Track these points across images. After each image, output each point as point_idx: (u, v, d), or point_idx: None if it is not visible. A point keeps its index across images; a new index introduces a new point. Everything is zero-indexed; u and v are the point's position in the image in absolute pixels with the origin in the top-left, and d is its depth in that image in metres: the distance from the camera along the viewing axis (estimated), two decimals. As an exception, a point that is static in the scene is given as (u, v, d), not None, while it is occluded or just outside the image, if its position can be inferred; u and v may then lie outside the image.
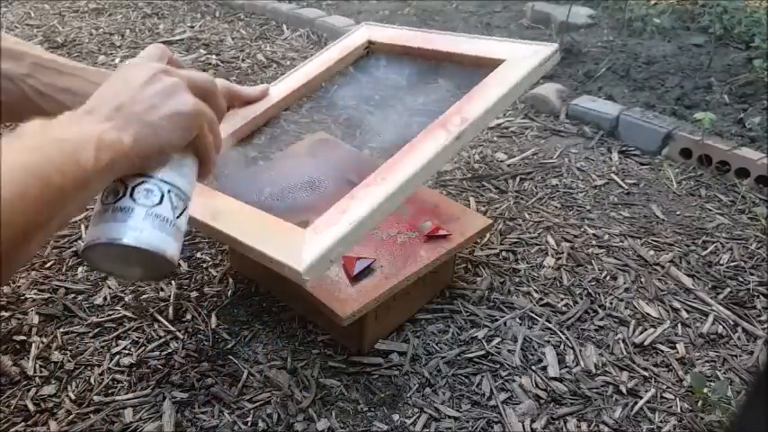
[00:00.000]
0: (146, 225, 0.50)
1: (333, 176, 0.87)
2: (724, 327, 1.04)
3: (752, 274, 1.16)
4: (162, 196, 0.52)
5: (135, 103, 0.50)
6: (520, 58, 0.87)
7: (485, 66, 0.88)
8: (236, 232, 0.70)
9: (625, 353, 0.98)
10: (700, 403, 0.89)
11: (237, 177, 0.84)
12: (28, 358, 0.91)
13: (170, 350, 0.94)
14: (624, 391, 0.91)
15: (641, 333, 1.01)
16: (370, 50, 1.05)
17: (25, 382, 0.88)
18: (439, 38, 0.99)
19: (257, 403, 0.86)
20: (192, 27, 2.32)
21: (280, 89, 0.96)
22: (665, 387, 0.92)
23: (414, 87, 0.95)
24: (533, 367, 0.94)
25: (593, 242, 1.22)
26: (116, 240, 0.49)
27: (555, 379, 0.92)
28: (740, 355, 0.98)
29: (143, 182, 0.52)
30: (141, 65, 0.54)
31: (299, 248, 0.66)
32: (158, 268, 0.55)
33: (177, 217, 0.54)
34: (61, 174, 0.43)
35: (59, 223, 0.46)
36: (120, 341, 0.95)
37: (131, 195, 0.51)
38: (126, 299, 1.02)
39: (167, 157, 0.53)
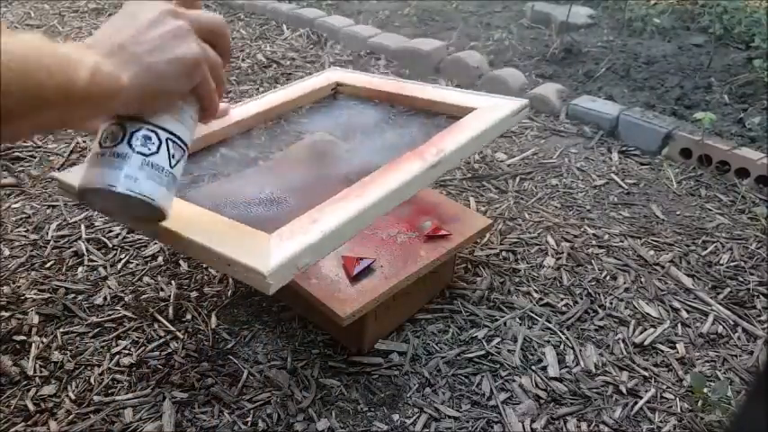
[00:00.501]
0: (141, 174, 0.50)
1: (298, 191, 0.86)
2: (724, 327, 1.04)
3: (752, 274, 1.16)
4: (160, 144, 0.52)
5: (138, 43, 0.48)
6: (491, 108, 0.89)
7: (456, 113, 0.90)
8: (195, 235, 0.64)
9: (625, 353, 0.98)
10: (700, 403, 0.89)
11: (197, 188, 0.81)
12: (28, 358, 0.91)
13: (170, 350, 0.94)
14: (624, 391, 0.91)
15: (641, 333, 1.01)
16: (337, 92, 1.06)
17: (25, 382, 0.88)
18: (410, 85, 1.01)
19: (257, 403, 0.86)
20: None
21: (239, 112, 0.94)
22: (665, 387, 0.92)
23: (381, 129, 0.95)
24: (533, 367, 0.94)
25: (593, 242, 1.22)
26: (110, 187, 0.49)
27: (555, 379, 0.92)
28: (740, 355, 0.98)
29: (141, 127, 0.51)
30: (149, 3, 0.51)
31: (264, 252, 0.61)
32: (151, 214, 0.55)
33: (173, 166, 0.53)
34: (48, 73, 0.41)
35: (30, 126, 0.43)
36: (120, 341, 0.95)
37: (129, 141, 0.50)
38: (126, 299, 1.03)
39: (167, 102, 0.52)
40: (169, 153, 0.53)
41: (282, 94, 1.01)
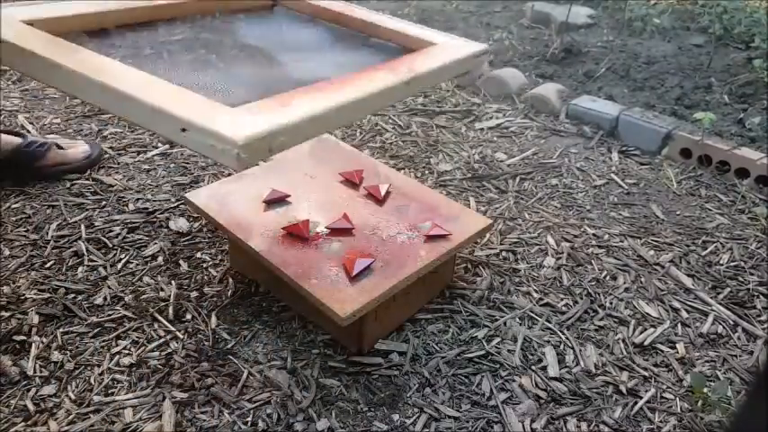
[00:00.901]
0: None
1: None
2: (724, 327, 1.04)
3: (752, 274, 1.16)
4: None
5: None
6: (453, 45, 0.87)
7: (413, 46, 0.87)
8: (136, 92, 0.55)
9: (625, 353, 0.98)
10: (700, 403, 0.89)
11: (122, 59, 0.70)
12: (28, 358, 0.91)
13: (170, 350, 0.94)
14: (624, 391, 0.91)
15: (641, 333, 1.01)
16: (276, 3, 0.98)
17: (25, 382, 0.88)
18: (364, 10, 0.96)
19: (257, 403, 0.86)
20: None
21: None
22: (665, 387, 0.92)
23: (335, 47, 0.89)
24: (533, 367, 0.94)
25: (593, 242, 1.22)
26: None
27: (555, 379, 0.92)
28: (740, 355, 0.98)
29: None
30: None
31: (236, 121, 0.53)
32: None
33: None
34: None
35: None
36: (120, 341, 0.95)
37: None
38: (126, 299, 1.03)
39: None
40: None
41: None
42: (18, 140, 1.27)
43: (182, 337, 0.96)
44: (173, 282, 1.06)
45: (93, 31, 0.76)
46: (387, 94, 0.71)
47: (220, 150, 0.51)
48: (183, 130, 0.53)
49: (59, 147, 1.31)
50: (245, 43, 0.86)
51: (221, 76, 0.74)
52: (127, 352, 0.93)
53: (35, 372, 0.89)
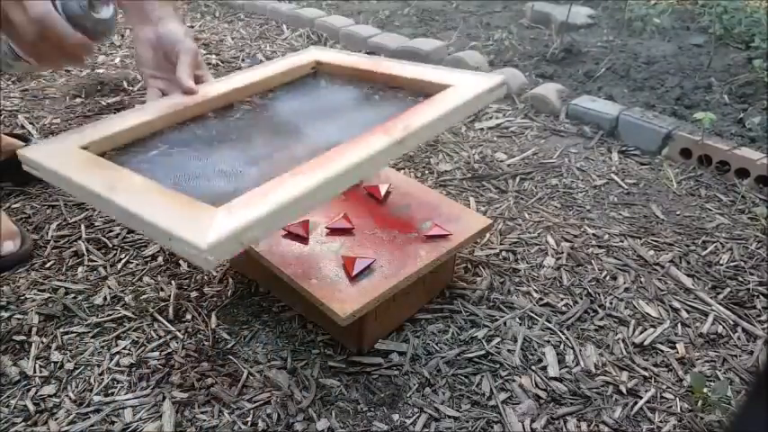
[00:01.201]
0: None
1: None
2: (724, 327, 1.04)
3: (752, 274, 1.16)
4: None
5: None
6: (467, 85, 0.88)
7: (432, 91, 0.89)
8: (133, 206, 0.62)
9: (625, 353, 0.98)
10: (699, 403, 0.89)
11: (152, 161, 0.80)
12: (28, 358, 0.91)
13: (170, 350, 0.94)
14: (624, 391, 0.91)
15: (641, 333, 1.01)
16: (318, 70, 1.05)
17: (25, 382, 0.88)
18: (388, 63, 0.99)
19: (257, 403, 0.86)
20: (192, 27, 2.32)
21: (216, 88, 0.93)
22: (664, 387, 0.92)
23: (358, 106, 0.94)
24: (533, 367, 0.94)
25: (593, 242, 1.22)
26: None
27: (555, 379, 0.92)
28: (740, 355, 0.98)
29: None
30: None
31: (205, 225, 0.58)
32: None
33: None
34: None
35: None
36: (119, 341, 0.95)
37: None
38: (126, 299, 1.03)
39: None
40: None
41: (261, 71, 1.00)
42: (21, 144, 1.27)
43: (182, 337, 0.96)
44: (173, 282, 1.06)
45: (141, 139, 0.85)
46: (375, 160, 0.72)
47: (194, 255, 0.56)
48: (170, 239, 0.58)
49: None
50: (275, 119, 0.93)
51: (242, 158, 0.80)
52: (127, 352, 0.93)
53: (35, 372, 0.89)
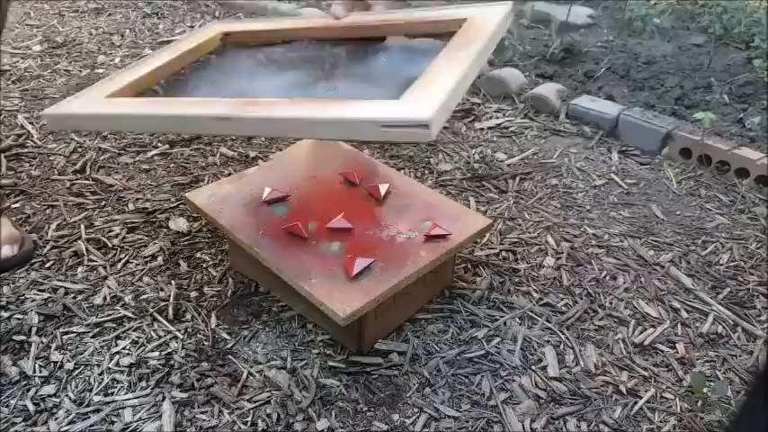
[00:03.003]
0: None
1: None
2: (724, 327, 1.04)
3: (752, 274, 1.16)
4: None
5: None
6: (483, 16, 0.88)
7: (442, 30, 0.89)
8: (306, 112, 0.67)
9: (625, 353, 0.98)
10: (699, 403, 0.89)
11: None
12: (28, 358, 0.91)
13: (170, 350, 0.94)
14: (624, 390, 0.91)
15: (641, 333, 1.01)
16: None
17: (25, 382, 0.88)
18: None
19: (257, 403, 0.86)
20: (192, 27, 2.32)
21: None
22: (664, 387, 0.92)
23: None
24: (533, 367, 0.94)
25: (593, 242, 1.22)
26: None
27: (555, 379, 0.92)
28: (740, 355, 0.98)
29: None
30: None
31: (409, 104, 0.62)
32: None
33: None
34: None
35: None
36: (120, 341, 0.95)
37: None
38: (126, 299, 1.03)
39: None
40: None
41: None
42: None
43: (181, 337, 0.96)
44: (172, 282, 1.06)
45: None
46: (492, 41, 0.80)
47: (412, 134, 0.60)
48: (382, 126, 0.61)
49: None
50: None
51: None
52: (127, 352, 0.93)
53: (35, 372, 0.89)
